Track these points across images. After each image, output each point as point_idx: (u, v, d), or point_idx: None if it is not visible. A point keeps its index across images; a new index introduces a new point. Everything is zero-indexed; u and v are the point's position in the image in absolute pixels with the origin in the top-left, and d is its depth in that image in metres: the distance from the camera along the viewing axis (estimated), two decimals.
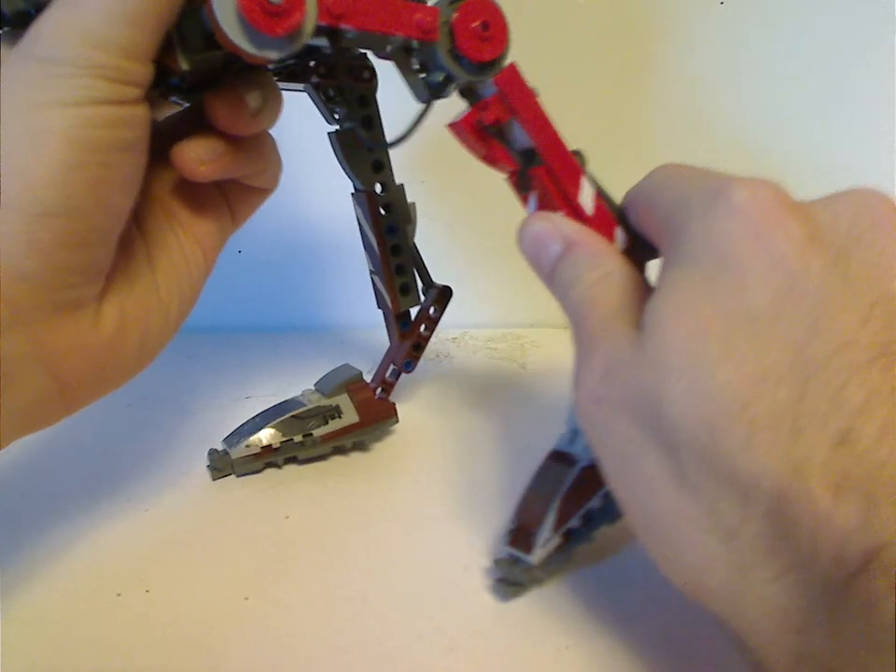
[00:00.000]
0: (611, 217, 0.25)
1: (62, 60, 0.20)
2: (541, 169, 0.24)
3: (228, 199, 0.28)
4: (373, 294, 0.37)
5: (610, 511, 0.26)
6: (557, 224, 0.23)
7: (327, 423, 0.34)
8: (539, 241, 0.24)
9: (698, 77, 0.48)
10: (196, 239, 0.27)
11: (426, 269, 0.37)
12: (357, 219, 0.36)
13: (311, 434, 0.34)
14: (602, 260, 0.23)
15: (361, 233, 0.36)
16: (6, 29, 0.23)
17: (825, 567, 0.16)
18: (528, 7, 0.47)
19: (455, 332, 0.38)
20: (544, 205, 0.25)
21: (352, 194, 0.36)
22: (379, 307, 0.38)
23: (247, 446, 0.34)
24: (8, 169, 0.20)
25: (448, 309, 0.38)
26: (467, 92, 0.26)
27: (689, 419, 0.18)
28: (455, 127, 0.25)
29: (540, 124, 0.24)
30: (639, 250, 0.24)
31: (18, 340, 0.21)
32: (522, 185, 0.24)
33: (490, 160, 0.25)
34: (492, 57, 0.24)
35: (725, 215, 0.19)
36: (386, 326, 0.38)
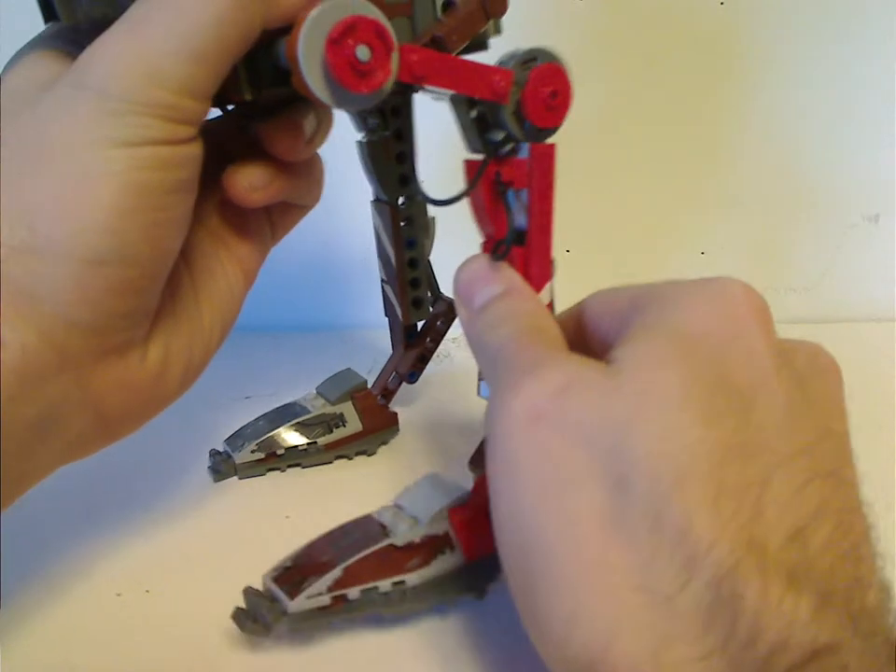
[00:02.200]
0: None
1: (120, 96, 0.19)
2: (521, 251, 0.24)
3: (270, 217, 0.27)
4: (381, 300, 0.37)
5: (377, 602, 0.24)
6: (504, 272, 0.23)
7: (331, 431, 0.35)
8: (481, 277, 0.23)
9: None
10: (238, 260, 0.26)
11: (436, 280, 0.37)
12: (375, 228, 0.35)
13: (315, 442, 0.34)
14: (539, 310, 0.22)
15: (377, 242, 0.36)
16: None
17: (763, 654, 0.15)
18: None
19: (456, 332, 0.38)
20: None
21: (372, 203, 0.35)
22: (386, 315, 0.38)
23: (252, 451, 0.34)
24: (57, 212, 0.19)
25: None
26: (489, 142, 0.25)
27: (657, 460, 0.17)
28: (474, 167, 0.25)
29: (545, 211, 0.24)
30: None
31: (64, 384, 0.20)
32: (495, 254, 0.24)
33: (485, 212, 0.25)
34: (553, 125, 0.24)
35: (716, 299, 0.20)
36: (391, 334, 0.38)
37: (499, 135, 0.24)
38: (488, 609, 0.26)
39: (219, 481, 0.34)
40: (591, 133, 0.48)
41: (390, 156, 0.33)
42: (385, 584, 0.24)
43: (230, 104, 0.23)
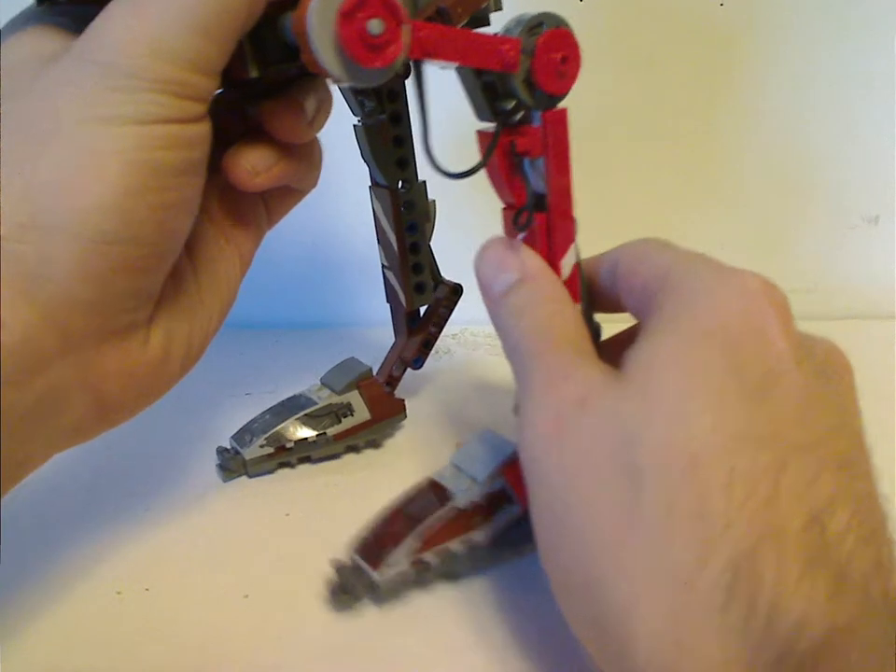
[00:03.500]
0: (578, 292, 0.25)
1: (128, 71, 0.18)
2: (543, 217, 0.24)
3: (266, 202, 0.27)
4: (381, 298, 0.37)
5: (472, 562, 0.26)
6: (521, 254, 0.24)
7: (340, 421, 0.34)
8: (498, 264, 0.24)
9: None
10: (236, 245, 0.25)
11: (436, 264, 0.37)
12: (374, 213, 0.35)
13: (324, 433, 0.34)
14: (557, 297, 0.23)
15: (377, 228, 0.35)
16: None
17: (783, 633, 0.16)
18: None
19: (456, 328, 0.38)
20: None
21: (370, 187, 0.35)
22: (388, 301, 0.37)
23: (261, 446, 0.33)
24: (63, 190, 0.18)
25: None
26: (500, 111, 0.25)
27: (667, 452, 0.18)
28: (486, 137, 0.24)
29: (563, 176, 0.24)
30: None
31: (66, 367, 0.19)
32: (517, 223, 0.24)
33: (503, 183, 0.25)
34: (564, 91, 0.24)
35: (735, 293, 0.20)
36: (393, 320, 0.38)
37: (510, 104, 0.24)
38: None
39: (229, 479, 0.33)
40: (590, 132, 0.47)
41: (388, 139, 0.33)
42: (455, 545, 0.26)
43: (235, 82, 0.22)
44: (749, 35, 0.47)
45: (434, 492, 0.27)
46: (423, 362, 0.38)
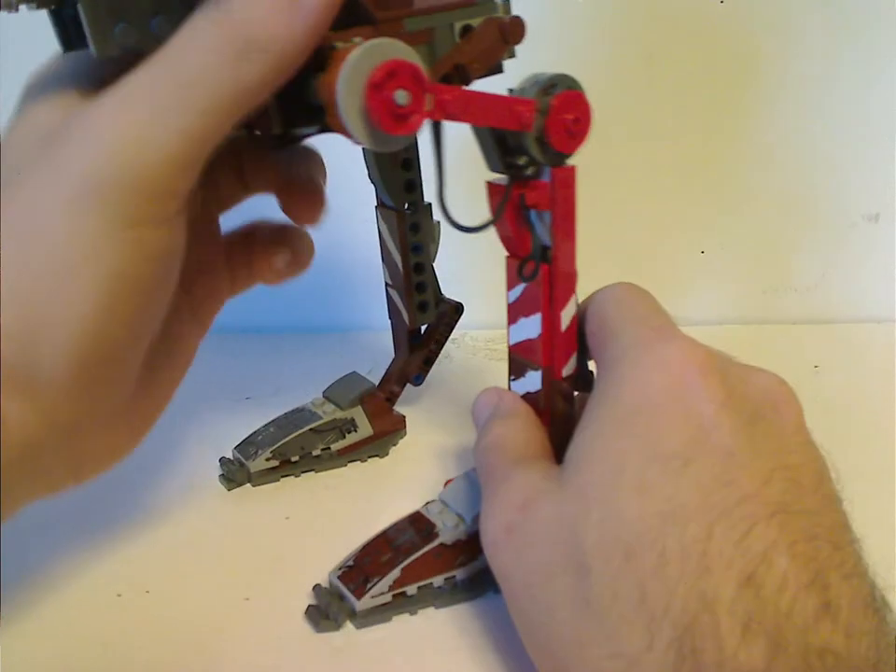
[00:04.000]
0: (575, 342, 0.27)
1: (114, 176, 0.18)
2: (546, 268, 0.25)
3: (234, 275, 0.28)
4: (379, 303, 0.38)
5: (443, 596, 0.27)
6: (501, 398, 0.28)
7: (344, 437, 0.35)
8: (482, 406, 0.28)
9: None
10: (198, 314, 0.26)
11: (438, 284, 0.38)
12: (380, 233, 0.36)
13: (329, 448, 0.35)
14: (511, 425, 0.26)
15: (382, 248, 0.36)
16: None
17: None
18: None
19: (455, 333, 0.39)
20: (528, 300, 0.26)
21: (376, 208, 0.35)
22: (390, 318, 0.38)
23: (266, 459, 0.34)
24: (41, 303, 0.18)
25: None
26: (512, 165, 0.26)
27: (605, 545, 0.19)
28: (496, 189, 0.25)
29: (568, 231, 0.25)
30: (581, 381, 0.27)
31: (51, 451, 0.20)
32: (522, 273, 0.26)
33: (510, 233, 0.26)
34: (573, 149, 0.24)
35: (653, 366, 0.21)
36: (394, 337, 0.39)
37: (521, 159, 0.25)
38: None
39: (232, 489, 0.34)
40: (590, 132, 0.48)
41: (396, 163, 0.33)
42: (438, 580, 0.27)
43: (254, 133, 0.23)
44: (750, 34, 0.47)
45: (422, 527, 0.28)
46: (423, 379, 0.39)
